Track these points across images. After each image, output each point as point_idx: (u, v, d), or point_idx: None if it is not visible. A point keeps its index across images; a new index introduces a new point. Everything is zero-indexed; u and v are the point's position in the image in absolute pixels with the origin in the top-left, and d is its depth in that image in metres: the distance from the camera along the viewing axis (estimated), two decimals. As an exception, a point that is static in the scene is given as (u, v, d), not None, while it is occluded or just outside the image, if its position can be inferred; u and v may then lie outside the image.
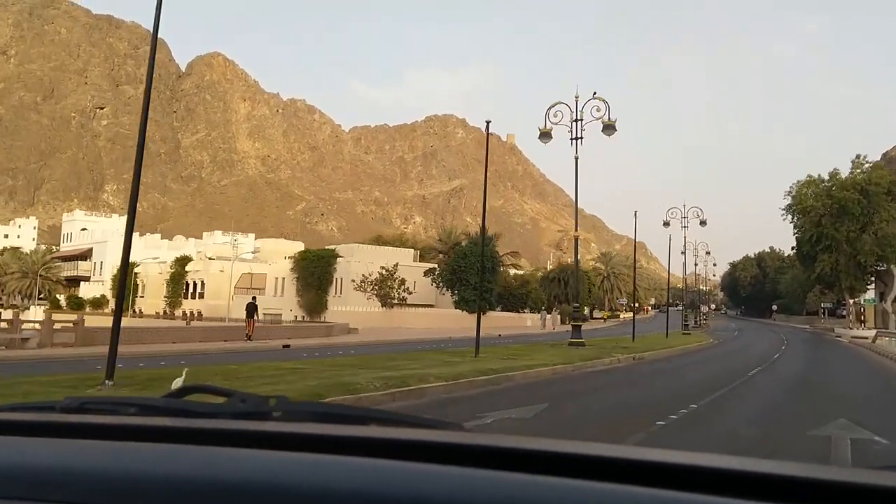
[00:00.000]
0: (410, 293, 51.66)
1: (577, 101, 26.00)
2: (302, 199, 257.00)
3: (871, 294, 56.30)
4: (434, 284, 54.37)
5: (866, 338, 45.05)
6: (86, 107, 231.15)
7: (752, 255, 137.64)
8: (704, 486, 0.83)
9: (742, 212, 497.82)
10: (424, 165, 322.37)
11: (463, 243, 55.22)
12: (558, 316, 51.22)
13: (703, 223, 45.46)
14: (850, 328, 50.90)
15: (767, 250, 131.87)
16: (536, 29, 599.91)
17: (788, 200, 56.66)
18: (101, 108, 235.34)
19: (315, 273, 59.01)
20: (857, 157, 53.40)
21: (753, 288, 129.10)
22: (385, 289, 49.35)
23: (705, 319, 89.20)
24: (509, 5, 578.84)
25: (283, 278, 63.37)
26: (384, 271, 49.74)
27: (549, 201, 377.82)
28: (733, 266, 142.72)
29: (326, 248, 65.93)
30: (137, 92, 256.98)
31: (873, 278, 56.32)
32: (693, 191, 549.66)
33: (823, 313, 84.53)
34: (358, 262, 56.96)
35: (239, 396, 1.37)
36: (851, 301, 50.49)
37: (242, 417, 1.27)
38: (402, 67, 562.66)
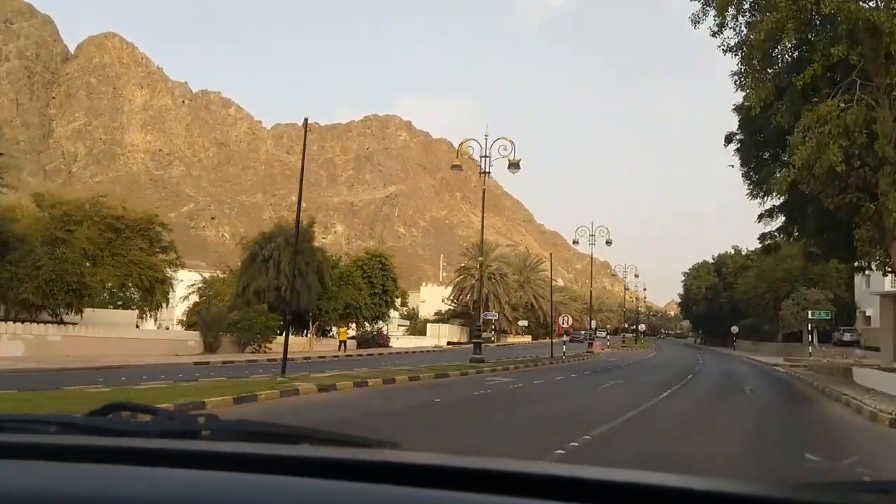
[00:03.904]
0: None
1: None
2: (193, 199, 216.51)
3: None
4: None
5: None
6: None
7: (712, 259, 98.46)
8: (618, 501, 0.83)
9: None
10: (357, 169, 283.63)
11: None
12: None
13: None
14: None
15: (731, 252, 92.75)
16: (497, 34, 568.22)
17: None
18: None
19: None
20: None
21: (710, 303, 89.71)
22: None
23: (588, 347, 49.60)
24: (474, 11, 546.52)
25: None
26: None
27: (504, 215, 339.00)
28: (686, 275, 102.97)
29: None
30: (1, 69, 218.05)
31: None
32: (673, 206, 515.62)
33: (811, 336, 45.23)
34: None
35: (166, 414, 1.32)
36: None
37: (170, 436, 1.20)
38: (342, 65, 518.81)
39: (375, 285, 46.66)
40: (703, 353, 59.22)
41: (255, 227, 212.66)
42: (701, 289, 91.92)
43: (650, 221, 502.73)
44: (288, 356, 32.21)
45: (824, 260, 21.80)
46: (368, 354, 36.44)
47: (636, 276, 78.78)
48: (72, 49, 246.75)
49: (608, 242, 44.38)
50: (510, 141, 26.78)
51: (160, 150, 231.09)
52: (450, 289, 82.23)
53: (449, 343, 69.26)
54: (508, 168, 26.70)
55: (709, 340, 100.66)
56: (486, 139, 27.03)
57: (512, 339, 79.05)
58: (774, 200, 19.29)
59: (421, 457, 1.06)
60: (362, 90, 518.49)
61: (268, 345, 32.35)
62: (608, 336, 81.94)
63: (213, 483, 0.89)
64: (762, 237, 21.41)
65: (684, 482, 0.87)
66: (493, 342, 70.73)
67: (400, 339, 73.48)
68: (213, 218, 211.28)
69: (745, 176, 21.09)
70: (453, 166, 27.83)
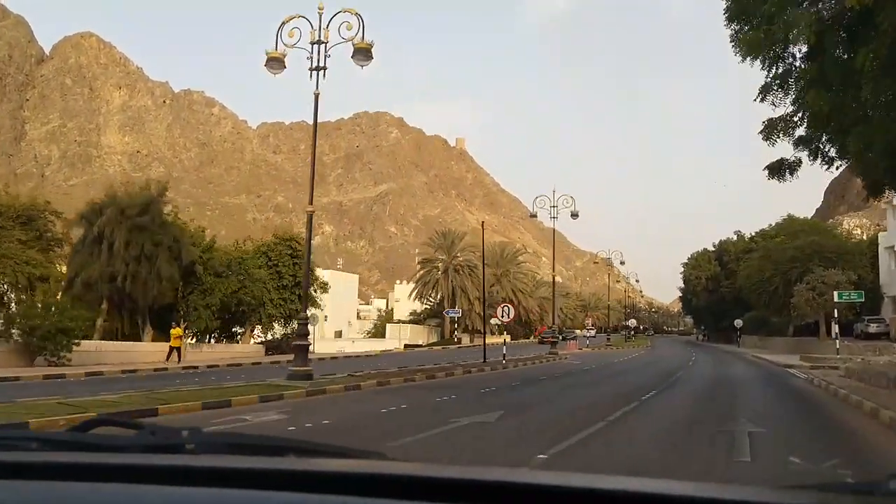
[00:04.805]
0: None
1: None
2: (171, 201, 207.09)
3: None
4: None
5: None
6: None
7: (713, 246, 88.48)
8: None
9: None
10: (346, 168, 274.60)
11: None
12: None
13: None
14: None
15: (733, 238, 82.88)
16: (497, 34, 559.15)
17: None
18: None
19: None
20: None
21: (711, 295, 79.96)
22: None
23: (552, 348, 40.42)
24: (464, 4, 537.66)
25: None
26: None
27: (502, 213, 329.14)
28: (685, 265, 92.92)
29: None
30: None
31: None
32: (675, 207, 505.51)
33: (834, 328, 35.56)
34: None
35: (149, 429, 1.31)
36: None
37: (154, 451, 1.18)
38: (331, 59, 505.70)
39: (284, 276, 37.36)
40: (699, 352, 49.81)
41: (237, 229, 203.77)
42: (701, 279, 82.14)
43: (653, 220, 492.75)
44: (101, 371, 23.14)
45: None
46: (231, 365, 26.98)
47: (622, 262, 69.17)
48: (47, 50, 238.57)
49: (574, 215, 36.98)
50: (357, 14, 17.32)
51: (138, 152, 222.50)
52: (416, 285, 72.84)
53: (407, 346, 59.92)
54: (353, 56, 17.52)
55: (712, 336, 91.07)
56: (319, 15, 17.46)
57: (489, 340, 69.38)
58: (793, 48, 9.82)
59: (408, 468, 1.04)
60: (356, 89, 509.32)
61: (68, 354, 23.09)
62: (595, 334, 71.87)
63: (198, 500, 0.87)
64: (768, 129, 11.64)
65: (666, 488, 0.86)
66: (458, 343, 61.37)
67: (356, 343, 64.36)
68: (191, 220, 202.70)
69: (735, 39, 11.57)
70: (269, 60, 17.66)
